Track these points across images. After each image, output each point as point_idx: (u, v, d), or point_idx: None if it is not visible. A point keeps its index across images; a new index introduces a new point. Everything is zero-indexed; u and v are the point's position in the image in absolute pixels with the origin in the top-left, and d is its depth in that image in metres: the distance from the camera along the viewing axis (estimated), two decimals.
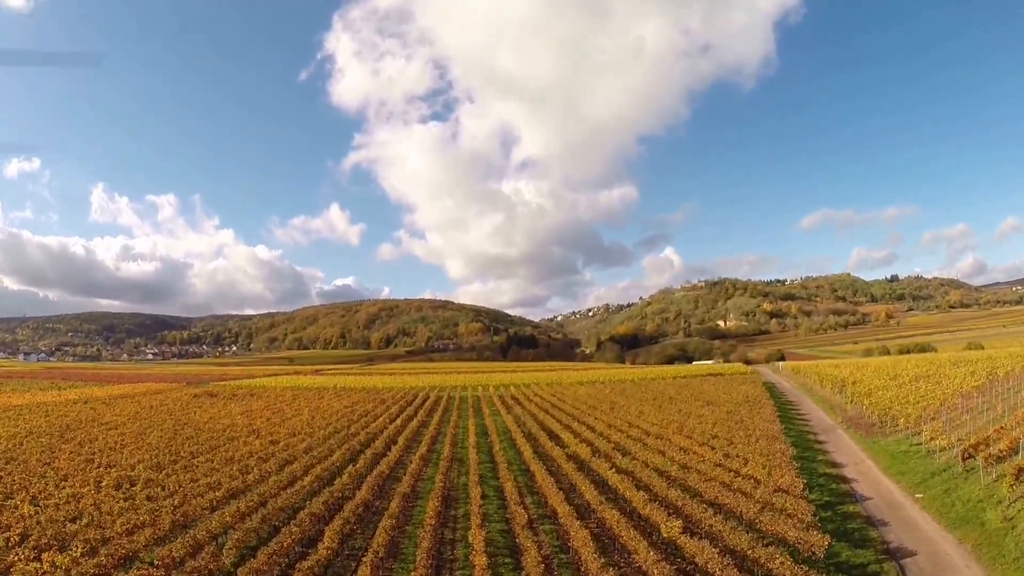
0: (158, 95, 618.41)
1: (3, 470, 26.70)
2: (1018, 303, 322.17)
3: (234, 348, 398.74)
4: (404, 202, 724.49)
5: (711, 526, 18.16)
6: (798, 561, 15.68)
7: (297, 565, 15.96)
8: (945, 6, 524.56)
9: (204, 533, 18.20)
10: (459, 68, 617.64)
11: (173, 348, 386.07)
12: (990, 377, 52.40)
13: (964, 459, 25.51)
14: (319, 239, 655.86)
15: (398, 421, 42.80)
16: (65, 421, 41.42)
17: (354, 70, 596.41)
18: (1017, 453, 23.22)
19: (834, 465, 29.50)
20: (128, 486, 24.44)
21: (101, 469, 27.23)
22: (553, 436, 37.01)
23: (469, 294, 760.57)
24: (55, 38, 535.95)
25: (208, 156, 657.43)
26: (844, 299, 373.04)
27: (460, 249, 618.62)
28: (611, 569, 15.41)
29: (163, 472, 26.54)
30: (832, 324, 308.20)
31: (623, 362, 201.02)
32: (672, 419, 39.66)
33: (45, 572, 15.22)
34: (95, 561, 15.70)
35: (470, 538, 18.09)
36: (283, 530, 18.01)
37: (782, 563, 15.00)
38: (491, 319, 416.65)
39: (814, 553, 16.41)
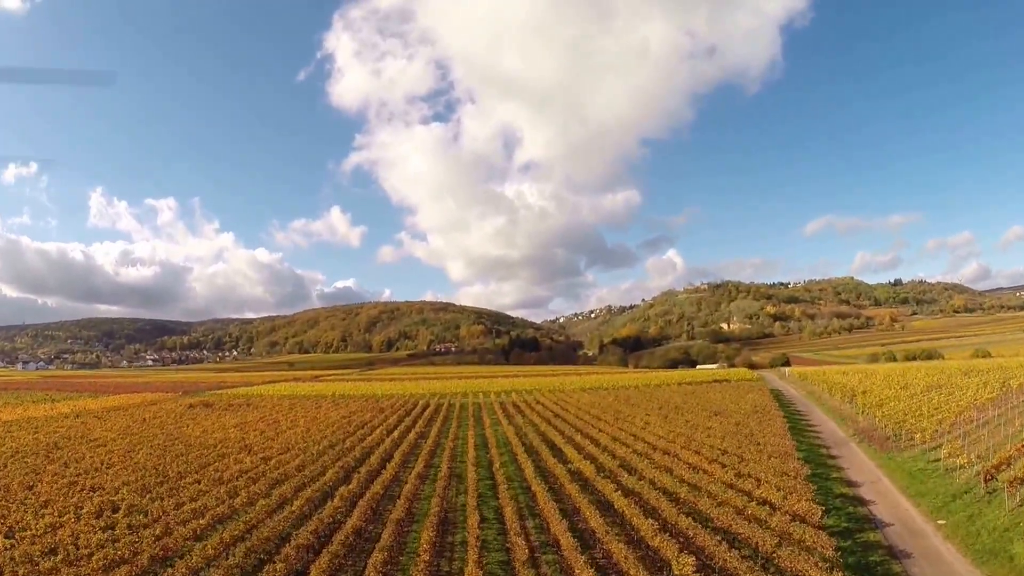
0: (155, 98, 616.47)
1: None
2: (1022, 309, 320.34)
3: (235, 353, 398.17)
4: (405, 204, 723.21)
5: (726, 562, 16.92)
6: None
7: None
8: (952, 13, 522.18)
9: (184, 570, 17.00)
10: (461, 68, 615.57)
11: (173, 354, 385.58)
12: (1003, 388, 51.17)
13: (986, 480, 24.27)
14: (320, 242, 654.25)
15: (395, 433, 41.62)
16: (54, 438, 40.26)
17: (354, 70, 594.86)
18: None
19: (850, 484, 28.21)
20: (110, 513, 23.29)
21: (84, 493, 26.10)
22: (556, 450, 35.79)
23: (471, 296, 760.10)
24: (52, 41, 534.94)
25: (207, 159, 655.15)
26: (848, 302, 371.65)
27: (462, 251, 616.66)
28: None
29: (148, 496, 25.36)
30: (836, 328, 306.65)
31: (626, 365, 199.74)
32: (679, 431, 38.43)
33: None
34: None
35: (467, 574, 16.88)
36: (267, 567, 16.79)
37: None
38: (493, 321, 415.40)
39: None
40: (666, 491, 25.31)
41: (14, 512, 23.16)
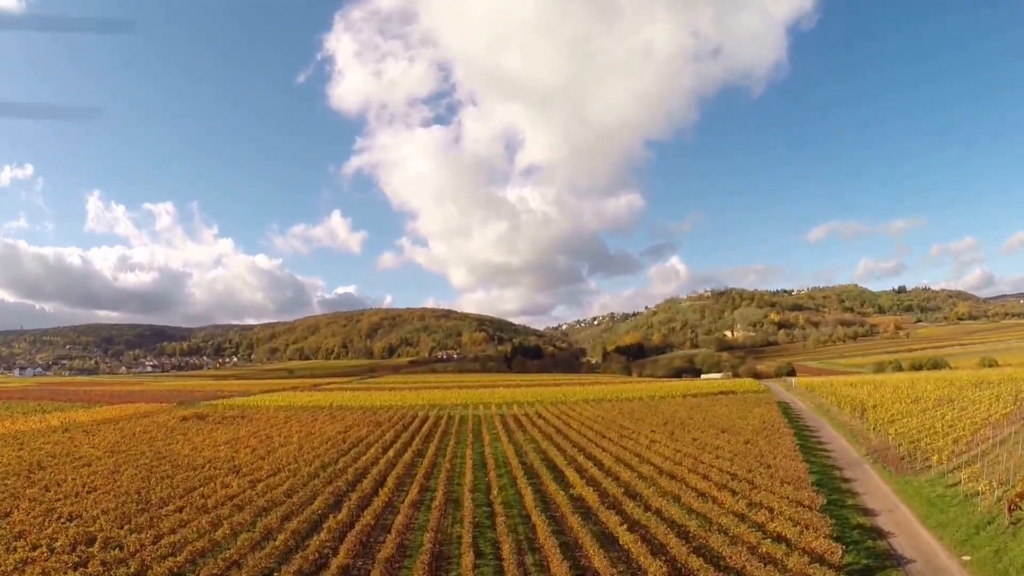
0: (152, 99, 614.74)
1: None
2: None
3: (235, 359, 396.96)
4: (406, 208, 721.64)
5: None
6: None
7: None
8: (958, 15, 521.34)
9: None
10: (462, 70, 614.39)
11: (173, 360, 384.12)
12: (1017, 403, 49.85)
13: (1010, 510, 22.90)
14: (320, 247, 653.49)
15: (391, 452, 40.20)
16: (39, 456, 38.90)
17: (355, 72, 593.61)
18: None
19: (866, 512, 26.73)
20: (85, 547, 21.89)
21: (61, 523, 24.71)
22: (557, 472, 34.35)
23: (473, 303, 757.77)
24: (46, 44, 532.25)
25: (205, 163, 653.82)
26: (852, 310, 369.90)
27: (463, 257, 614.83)
28: None
29: (127, 527, 23.97)
30: (841, 335, 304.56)
31: (629, 373, 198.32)
32: (686, 451, 37.00)
33: None
34: None
35: None
36: None
37: None
38: (495, 328, 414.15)
39: None
40: (674, 523, 23.87)
41: None
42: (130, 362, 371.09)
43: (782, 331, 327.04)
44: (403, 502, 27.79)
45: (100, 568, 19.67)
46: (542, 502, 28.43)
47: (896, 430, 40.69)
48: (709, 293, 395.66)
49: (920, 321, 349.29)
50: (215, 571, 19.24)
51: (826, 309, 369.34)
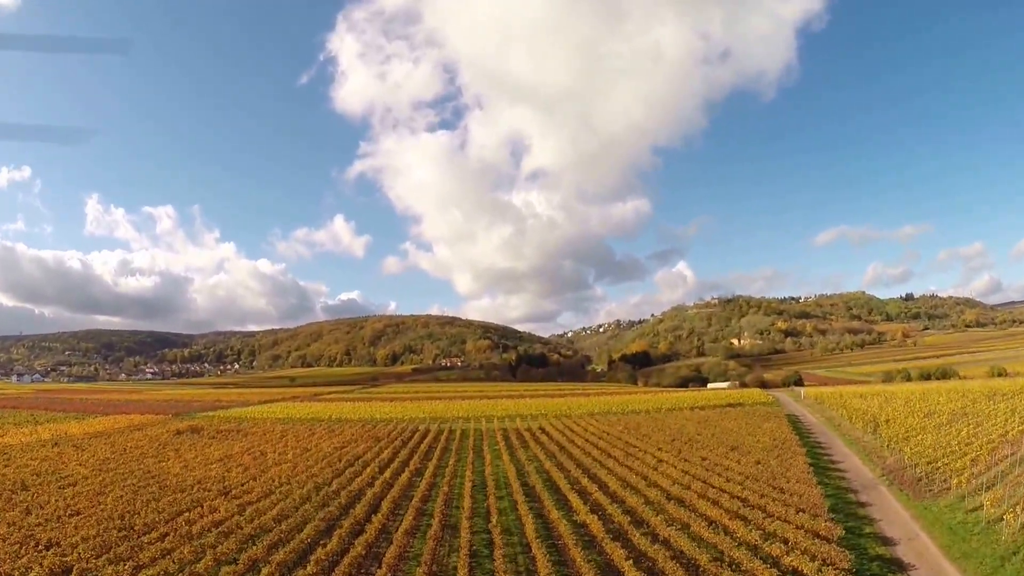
0: (152, 100, 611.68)
1: None
2: None
3: (236, 366, 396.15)
4: (410, 213, 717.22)
5: None
6: None
7: None
8: (969, 17, 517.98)
9: None
10: (468, 73, 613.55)
11: (174, 367, 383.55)
12: None
13: None
14: (323, 252, 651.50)
15: (387, 473, 38.77)
16: (24, 474, 37.70)
17: (358, 73, 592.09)
18: None
19: (885, 542, 25.23)
20: None
21: (39, 552, 23.50)
22: (559, 496, 32.97)
23: (477, 309, 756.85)
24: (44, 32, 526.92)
25: (206, 165, 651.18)
26: (859, 317, 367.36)
27: (468, 262, 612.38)
28: None
29: (105, 557, 22.68)
30: (848, 343, 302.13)
31: (635, 382, 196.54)
32: (695, 473, 35.54)
33: None
34: None
35: None
36: None
37: None
38: (500, 335, 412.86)
39: None
40: (683, 556, 22.49)
41: None
42: (130, 369, 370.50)
43: (789, 339, 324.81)
44: (398, 530, 26.41)
45: None
46: (544, 529, 27.07)
47: (912, 449, 39.16)
48: (716, 301, 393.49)
49: (928, 329, 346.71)
50: None
51: (833, 317, 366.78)
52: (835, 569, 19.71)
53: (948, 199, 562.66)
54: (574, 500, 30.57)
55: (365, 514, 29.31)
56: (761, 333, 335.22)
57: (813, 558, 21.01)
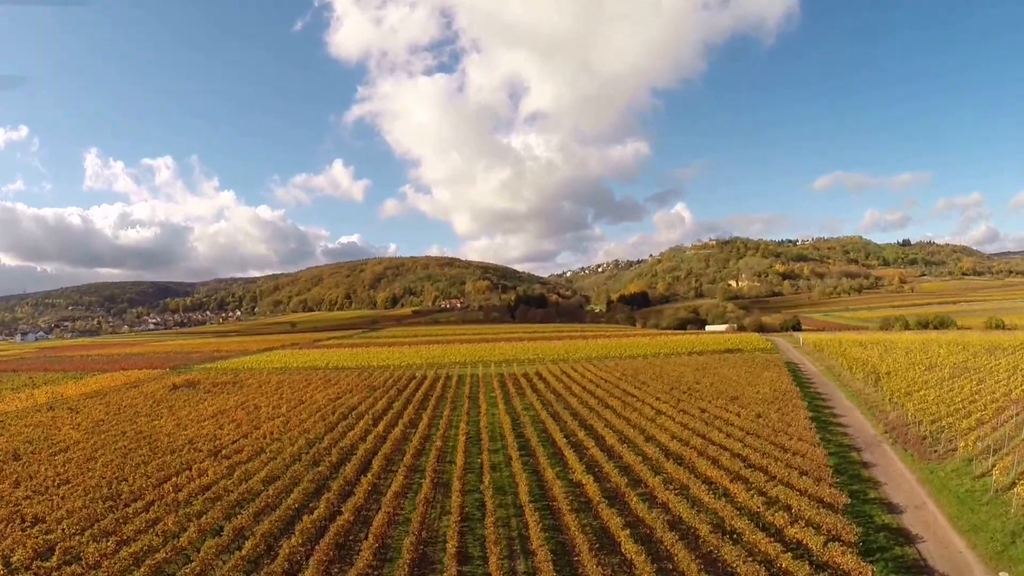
0: (146, 52, 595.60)
1: None
2: None
3: (238, 313, 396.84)
4: (409, 157, 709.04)
5: None
6: None
7: None
8: None
9: None
10: (465, 16, 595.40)
11: (176, 316, 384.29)
12: None
13: None
14: (322, 197, 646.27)
15: (380, 426, 38.17)
16: (16, 444, 37.00)
17: (354, 18, 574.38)
18: None
19: (891, 509, 24.49)
20: (40, 562, 19.95)
21: (24, 528, 22.92)
22: (555, 451, 32.38)
23: (477, 250, 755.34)
24: None
25: (203, 115, 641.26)
26: (856, 262, 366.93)
27: (467, 204, 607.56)
28: None
29: (90, 531, 21.99)
30: (845, 287, 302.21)
31: (634, 323, 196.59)
32: (694, 427, 34.96)
33: None
34: None
35: None
36: None
37: None
38: (499, 276, 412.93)
39: None
40: (681, 523, 21.81)
41: None
42: (133, 320, 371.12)
43: (787, 282, 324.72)
44: (388, 491, 25.75)
45: None
46: (539, 489, 26.45)
47: (915, 404, 38.50)
48: (714, 242, 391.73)
49: (924, 275, 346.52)
50: None
51: (831, 260, 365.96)
52: (841, 544, 18.93)
53: (948, 149, 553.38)
54: (570, 456, 29.88)
55: (355, 474, 28.68)
56: (759, 275, 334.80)
57: (817, 530, 20.26)
